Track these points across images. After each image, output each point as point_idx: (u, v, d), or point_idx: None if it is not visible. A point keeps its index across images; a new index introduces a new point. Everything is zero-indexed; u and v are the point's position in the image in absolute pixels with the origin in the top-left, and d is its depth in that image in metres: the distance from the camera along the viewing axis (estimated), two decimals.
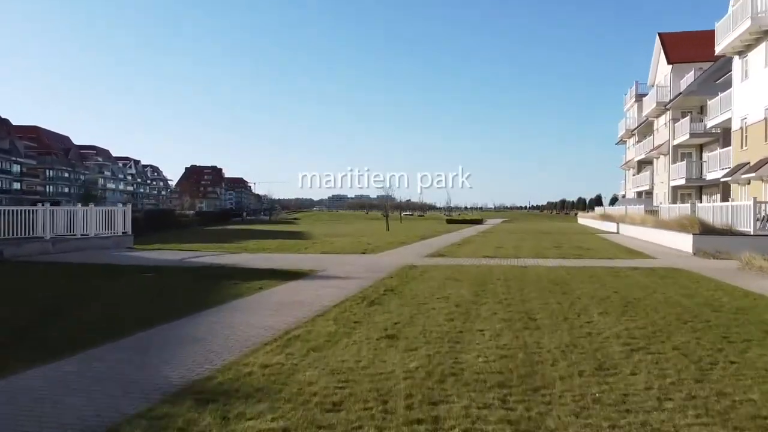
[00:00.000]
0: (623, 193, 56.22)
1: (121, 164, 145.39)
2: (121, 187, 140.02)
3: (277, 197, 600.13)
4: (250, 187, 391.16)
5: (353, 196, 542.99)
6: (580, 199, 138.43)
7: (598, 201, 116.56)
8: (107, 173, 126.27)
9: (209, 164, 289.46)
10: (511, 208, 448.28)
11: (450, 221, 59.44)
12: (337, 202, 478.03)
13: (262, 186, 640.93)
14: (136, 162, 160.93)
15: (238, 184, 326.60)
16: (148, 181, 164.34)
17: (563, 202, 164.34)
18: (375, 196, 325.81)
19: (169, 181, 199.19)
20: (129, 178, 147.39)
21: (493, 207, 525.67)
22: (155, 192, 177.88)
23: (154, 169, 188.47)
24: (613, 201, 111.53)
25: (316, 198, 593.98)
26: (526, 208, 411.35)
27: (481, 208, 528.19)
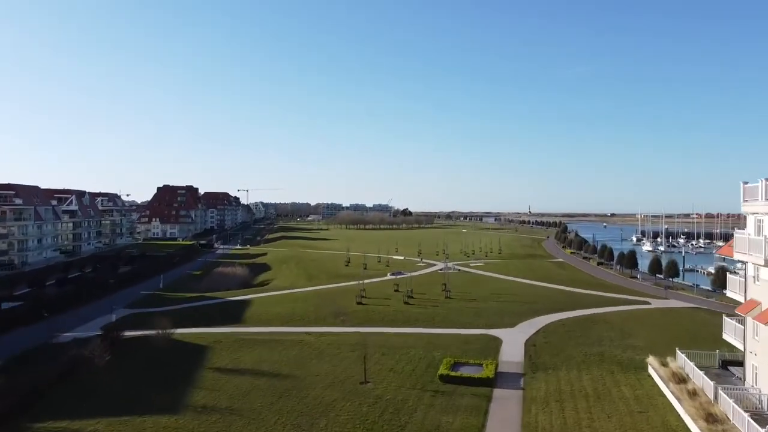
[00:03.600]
0: (741, 343, 33.17)
1: (55, 202, 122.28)
2: (52, 228, 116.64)
3: (273, 201, 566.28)
4: (237, 198, 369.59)
5: (348, 205, 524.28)
6: (604, 247, 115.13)
7: (632, 260, 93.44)
8: (27, 219, 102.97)
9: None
10: (514, 221, 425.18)
11: (445, 379, 36.37)
12: (332, 212, 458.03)
13: (256, 194, 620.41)
14: (81, 194, 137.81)
15: (221, 200, 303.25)
16: (93, 215, 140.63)
17: (582, 243, 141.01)
18: (371, 205, 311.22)
19: (126, 209, 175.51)
20: (66, 216, 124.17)
21: (493, 219, 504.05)
22: (109, 224, 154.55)
23: (111, 197, 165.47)
24: (656, 265, 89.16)
25: (313, 202, 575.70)
26: (530, 223, 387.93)
27: (481, 219, 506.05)
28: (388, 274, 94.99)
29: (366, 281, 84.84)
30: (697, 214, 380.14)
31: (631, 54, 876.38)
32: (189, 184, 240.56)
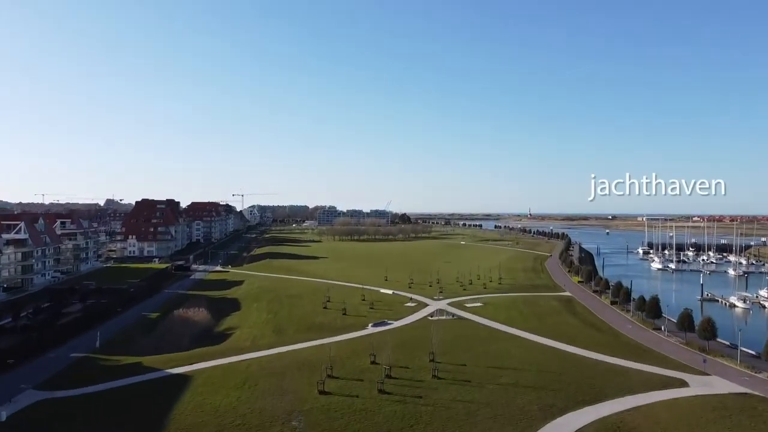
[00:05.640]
0: None
1: None
2: None
3: (270, 204, 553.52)
4: (228, 206, 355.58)
5: (345, 210, 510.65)
6: (620, 285, 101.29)
7: (654, 308, 79.04)
8: None
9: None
10: (514, 229, 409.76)
11: None
12: (328, 217, 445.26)
13: (254, 198, 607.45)
14: (34, 219, 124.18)
15: (207, 211, 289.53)
16: (49, 242, 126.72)
17: (591, 273, 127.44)
18: (368, 211, 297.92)
19: (93, 230, 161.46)
20: (11, 247, 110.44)
21: (493, 225, 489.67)
22: (71, 249, 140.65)
23: (75, 219, 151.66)
24: (687, 321, 75.14)
25: (311, 205, 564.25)
26: (531, 232, 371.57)
27: (480, 225, 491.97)
28: (369, 325, 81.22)
29: (341, 338, 72.24)
30: (699, 216, 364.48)
31: (631, 54, 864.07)
32: (170, 197, 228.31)
